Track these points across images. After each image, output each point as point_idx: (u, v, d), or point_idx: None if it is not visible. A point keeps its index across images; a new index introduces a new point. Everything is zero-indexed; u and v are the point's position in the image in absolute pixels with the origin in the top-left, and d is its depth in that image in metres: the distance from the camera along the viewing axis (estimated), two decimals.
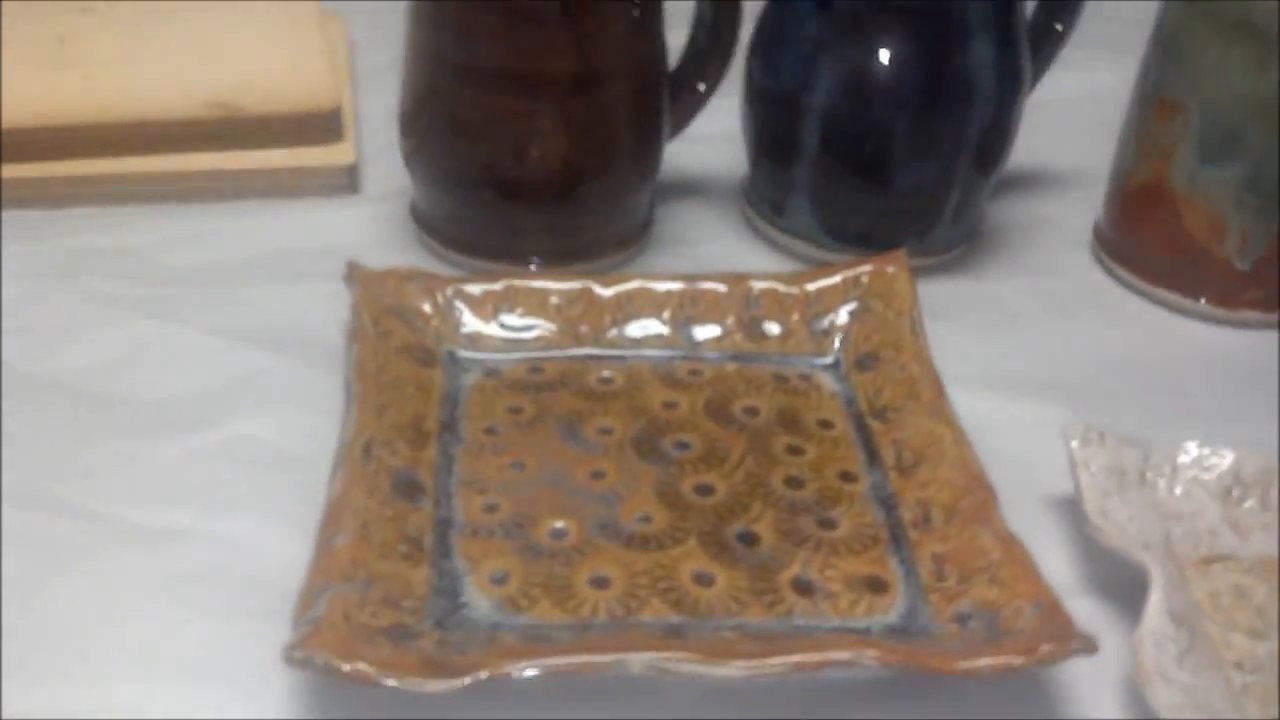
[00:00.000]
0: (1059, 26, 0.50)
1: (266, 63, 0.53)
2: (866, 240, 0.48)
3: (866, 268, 0.44)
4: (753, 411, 0.40)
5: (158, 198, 0.50)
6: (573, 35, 0.43)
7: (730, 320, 0.43)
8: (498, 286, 0.43)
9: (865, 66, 0.45)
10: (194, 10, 0.56)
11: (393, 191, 0.51)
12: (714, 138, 0.52)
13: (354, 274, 0.42)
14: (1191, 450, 0.37)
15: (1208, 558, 0.36)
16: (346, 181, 0.51)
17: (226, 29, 0.55)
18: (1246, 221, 0.45)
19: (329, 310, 0.43)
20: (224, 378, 0.41)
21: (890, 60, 0.45)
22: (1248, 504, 0.37)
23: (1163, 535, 0.36)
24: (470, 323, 0.42)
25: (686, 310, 0.43)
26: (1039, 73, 0.50)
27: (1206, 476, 0.37)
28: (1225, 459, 0.37)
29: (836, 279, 0.44)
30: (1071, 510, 0.37)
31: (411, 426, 0.37)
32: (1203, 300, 0.47)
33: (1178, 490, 0.37)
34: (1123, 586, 0.34)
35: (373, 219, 0.50)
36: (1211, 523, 0.36)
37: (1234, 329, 0.47)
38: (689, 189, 0.53)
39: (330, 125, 0.51)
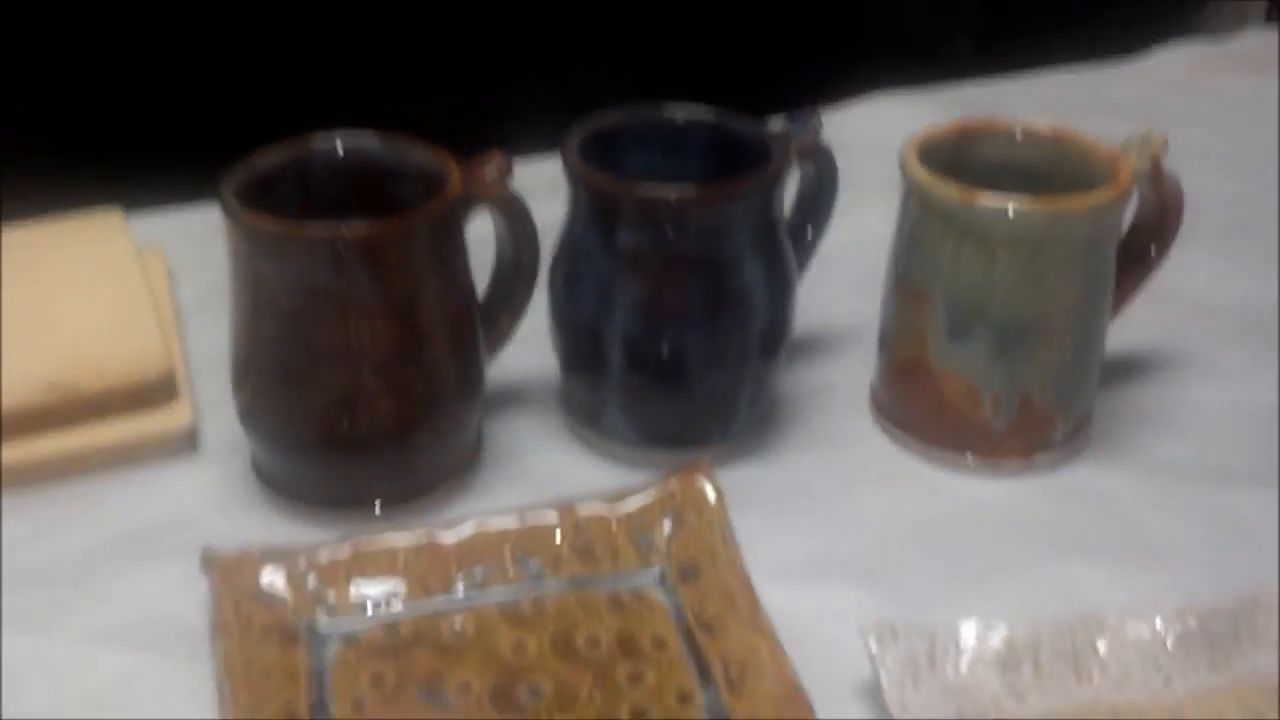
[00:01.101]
0: (810, 232, 0.57)
1: (95, 332, 0.55)
2: (677, 440, 0.53)
3: (676, 482, 0.49)
4: (594, 641, 0.44)
5: None
6: (390, 311, 0.48)
7: (564, 549, 0.48)
8: (345, 550, 0.46)
9: (653, 297, 0.50)
10: (13, 282, 0.58)
11: (233, 443, 0.54)
12: (525, 341, 0.56)
13: (210, 561, 0.45)
14: (970, 630, 0.43)
15: None
16: (187, 442, 0.54)
17: (49, 299, 0.57)
18: (996, 388, 0.52)
19: (187, 591, 0.46)
20: (93, 688, 0.43)
21: (674, 290, 0.50)
22: (1023, 670, 0.43)
23: (955, 711, 0.42)
24: (325, 592, 0.45)
25: (524, 545, 0.47)
26: (802, 269, 0.56)
27: (985, 652, 0.43)
28: (999, 633, 0.43)
29: (652, 495, 0.49)
30: (879, 696, 0.43)
31: (284, 719, 0.41)
32: (968, 456, 0.54)
33: (963, 668, 0.43)
34: None
35: (216, 478, 0.53)
36: (994, 692, 0.42)
37: (999, 479, 0.54)
38: (510, 399, 0.58)
39: (165, 390, 0.54)
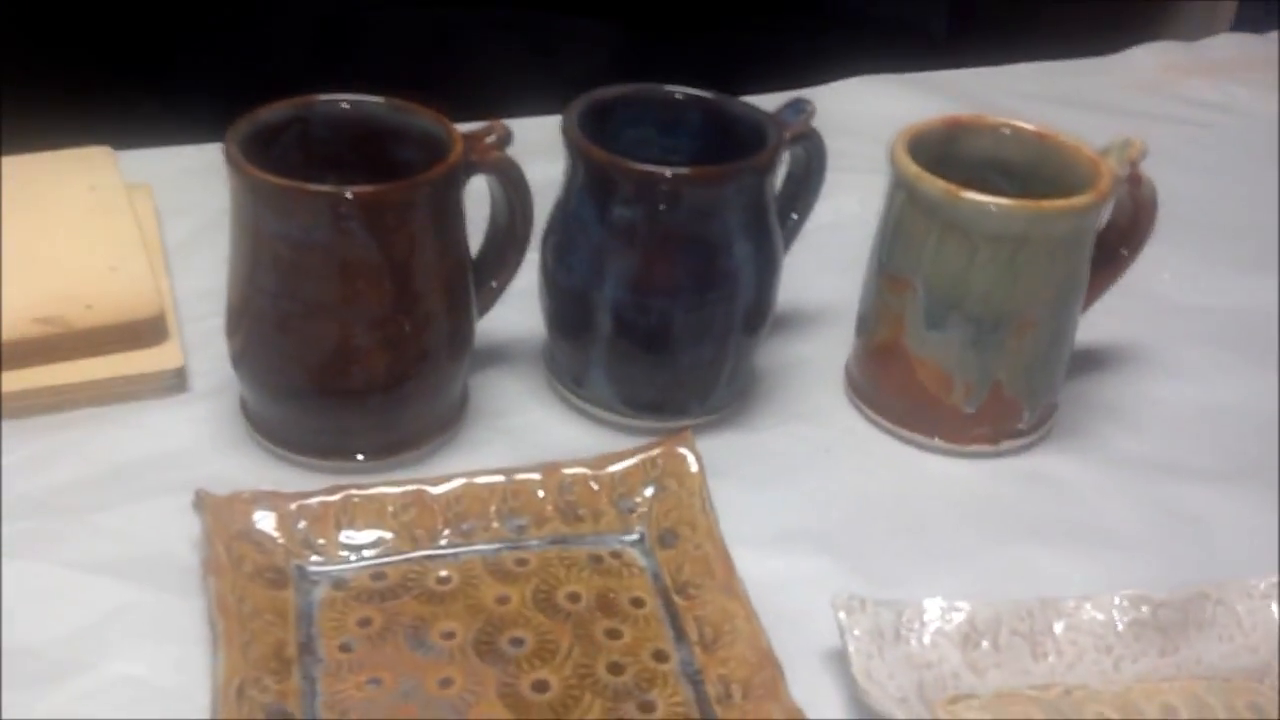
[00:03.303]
0: (795, 215, 0.58)
1: (86, 268, 0.55)
2: (658, 408, 0.55)
3: (659, 450, 0.50)
4: (575, 598, 0.46)
5: None
6: (389, 269, 0.48)
7: (548, 508, 0.49)
8: (336, 498, 0.48)
9: (644, 270, 0.52)
10: (2, 214, 0.58)
11: (221, 384, 0.55)
12: (511, 300, 0.58)
13: (202, 502, 0.46)
14: (935, 606, 0.45)
15: (954, 697, 0.44)
16: (176, 382, 0.55)
17: (40, 232, 0.57)
18: (968, 376, 0.54)
19: (178, 527, 0.47)
20: (91, 615, 0.44)
21: (665, 265, 0.52)
22: (983, 647, 0.45)
23: (916, 683, 0.44)
24: (314, 537, 0.47)
25: (509, 503, 0.49)
26: (786, 249, 0.57)
27: (948, 628, 0.45)
28: (962, 611, 0.45)
29: (635, 461, 0.50)
30: (845, 664, 0.45)
31: (274, 656, 0.42)
32: (937, 439, 0.56)
33: (926, 641, 0.45)
34: None
35: (205, 418, 0.54)
36: (954, 666, 0.44)
37: (966, 461, 0.56)
38: (495, 357, 0.59)
39: (156, 330, 0.55)
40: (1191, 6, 1.26)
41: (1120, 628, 0.45)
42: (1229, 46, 1.02)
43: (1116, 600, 0.46)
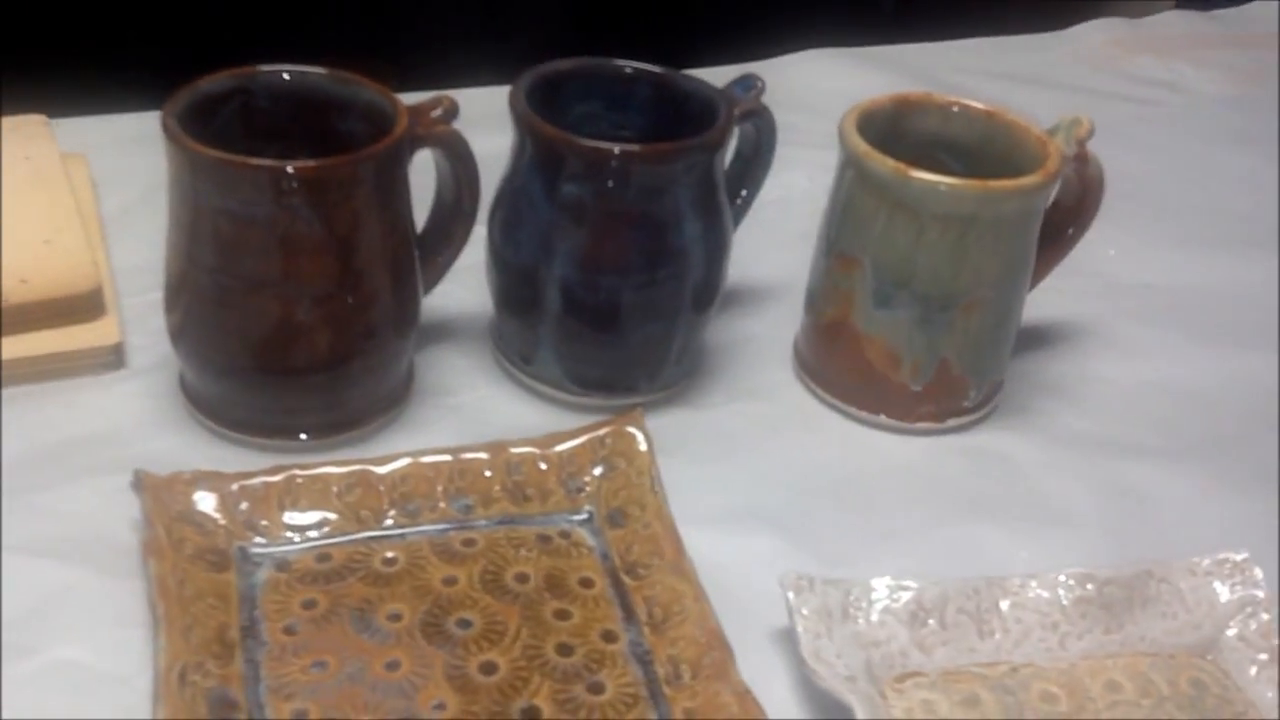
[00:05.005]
0: (744, 192, 0.58)
1: (21, 241, 0.54)
2: (607, 386, 0.55)
3: (608, 429, 0.50)
4: (523, 578, 0.46)
5: None
6: (332, 245, 0.48)
7: (496, 487, 0.48)
8: (279, 479, 0.47)
9: (593, 248, 0.51)
10: None
11: (160, 360, 0.54)
12: (457, 275, 0.57)
13: (142, 482, 0.45)
14: (882, 585, 0.45)
15: (901, 676, 0.44)
16: (114, 359, 0.54)
17: None
18: (916, 354, 0.54)
19: (117, 507, 0.46)
20: (30, 599, 0.43)
21: (614, 242, 0.51)
22: (930, 625, 0.45)
23: (864, 662, 0.44)
24: (257, 517, 0.46)
25: (456, 482, 0.48)
26: (735, 226, 0.57)
27: (895, 606, 0.45)
28: (909, 590, 0.45)
29: (584, 440, 0.50)
30: (793, 643, 0.45)
31: (217, 640, 0.41)
32: (884, 416, 0.56)
33: (874, 620, 0.45)
34: (839, 711, 0.42)
35: (143, 395, 0.53)
36: (902, 645, 0.45)
37: (912, 438, 0.56)
38: (441, 333, 0.58)
39: (93, 304, 0.53)
40: None
41: (1065, 605, 0.46)
42: (1175, 24, 1.03)
43: (1062, 578, 0.46)
